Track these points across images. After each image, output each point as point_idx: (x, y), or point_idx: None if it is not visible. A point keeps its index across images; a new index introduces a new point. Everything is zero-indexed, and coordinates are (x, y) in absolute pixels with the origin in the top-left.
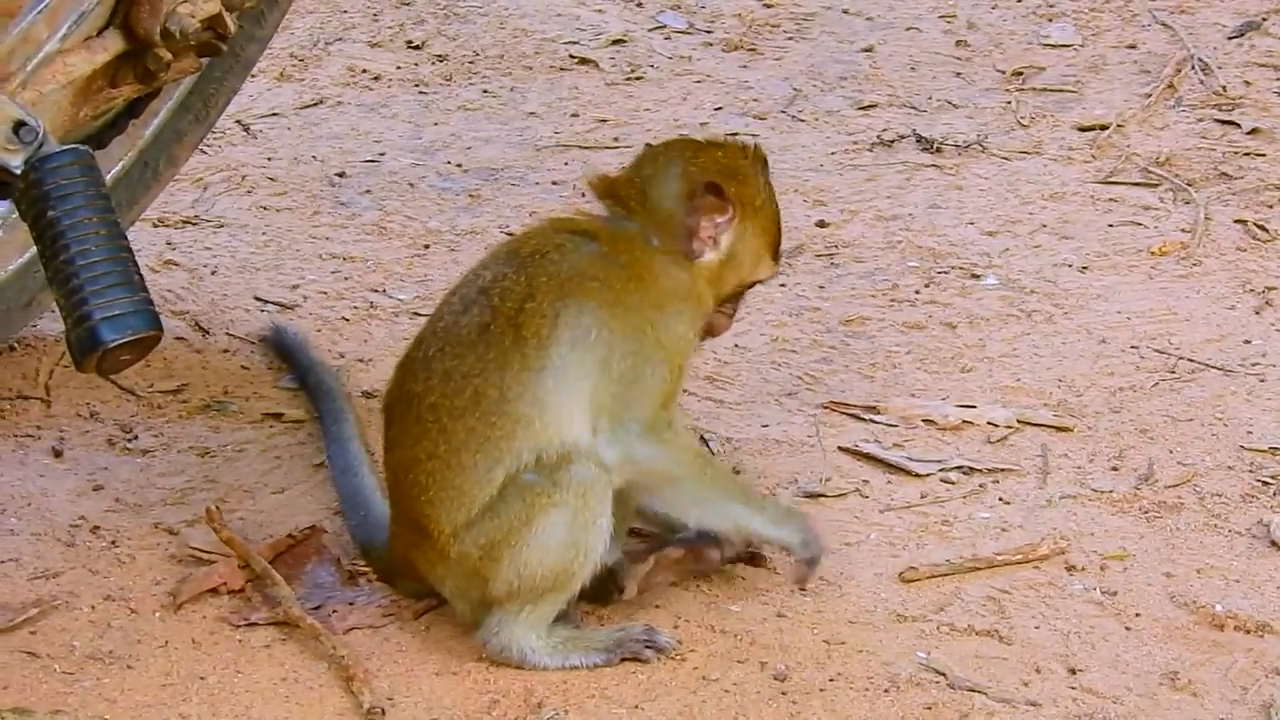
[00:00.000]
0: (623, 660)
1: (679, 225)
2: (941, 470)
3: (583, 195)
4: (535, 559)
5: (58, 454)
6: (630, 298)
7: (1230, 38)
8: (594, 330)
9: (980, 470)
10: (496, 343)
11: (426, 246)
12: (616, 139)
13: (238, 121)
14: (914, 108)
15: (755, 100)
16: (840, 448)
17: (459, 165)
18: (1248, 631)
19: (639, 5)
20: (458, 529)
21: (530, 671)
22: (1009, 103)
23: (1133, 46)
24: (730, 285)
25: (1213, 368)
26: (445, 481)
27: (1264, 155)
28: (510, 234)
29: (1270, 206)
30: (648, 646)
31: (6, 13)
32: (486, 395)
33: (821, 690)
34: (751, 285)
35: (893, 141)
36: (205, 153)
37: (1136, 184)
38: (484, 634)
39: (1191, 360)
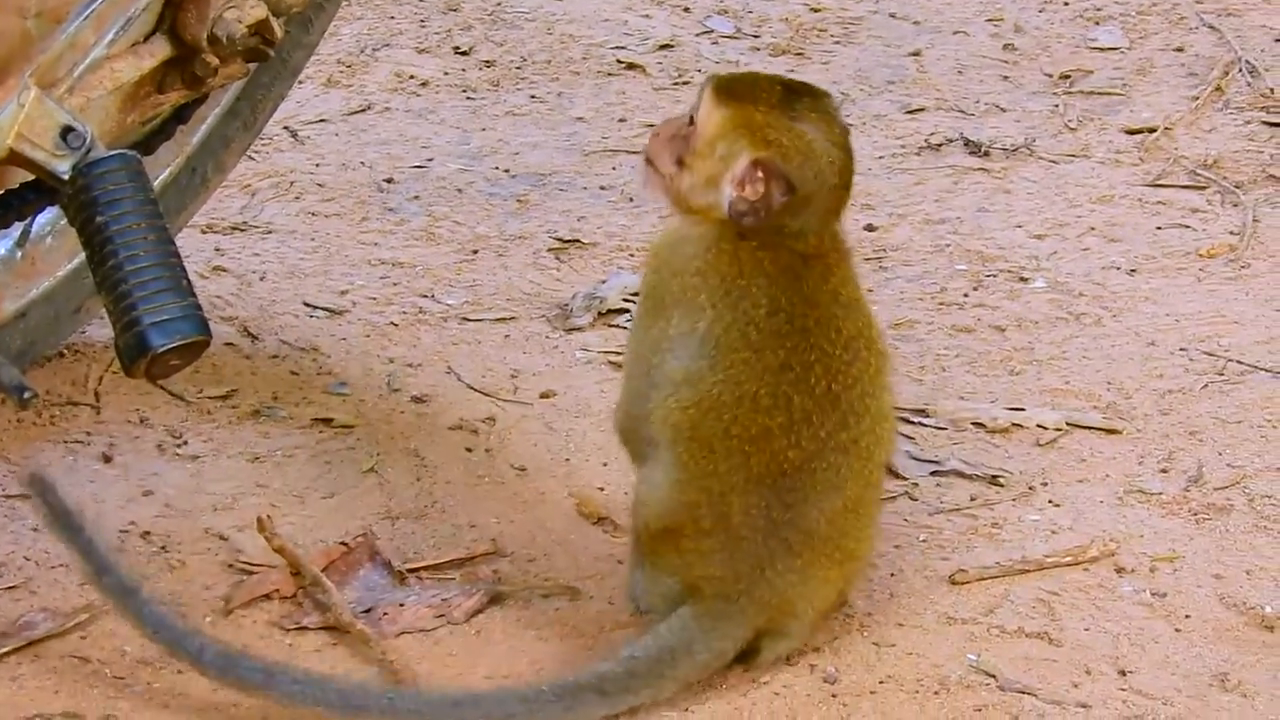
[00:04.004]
0: None
1: None
2: (990, 473)
3: (630, 200)
4: None
5: (107, 460)
6: None
7: (1278, 40)
8: None
9: (1029, 473)
10: None
11: (475, 252)
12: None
13: (285, 127)
14: (962, 111)
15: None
16: None
17: (507, 170)
18: None
19: (686, 10)
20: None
21: None
22: (1056, 106)
23: (1180, 49)
24: None
25: (1262, 370)
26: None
27: None
28: (557, 240)
29: None
30: None
31: (54, 18)
32: None
33: (872, 693)
34: None
35: (940, 145)
36: (253, 159)
37: (1185, 187)
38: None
39: (1240, 362)
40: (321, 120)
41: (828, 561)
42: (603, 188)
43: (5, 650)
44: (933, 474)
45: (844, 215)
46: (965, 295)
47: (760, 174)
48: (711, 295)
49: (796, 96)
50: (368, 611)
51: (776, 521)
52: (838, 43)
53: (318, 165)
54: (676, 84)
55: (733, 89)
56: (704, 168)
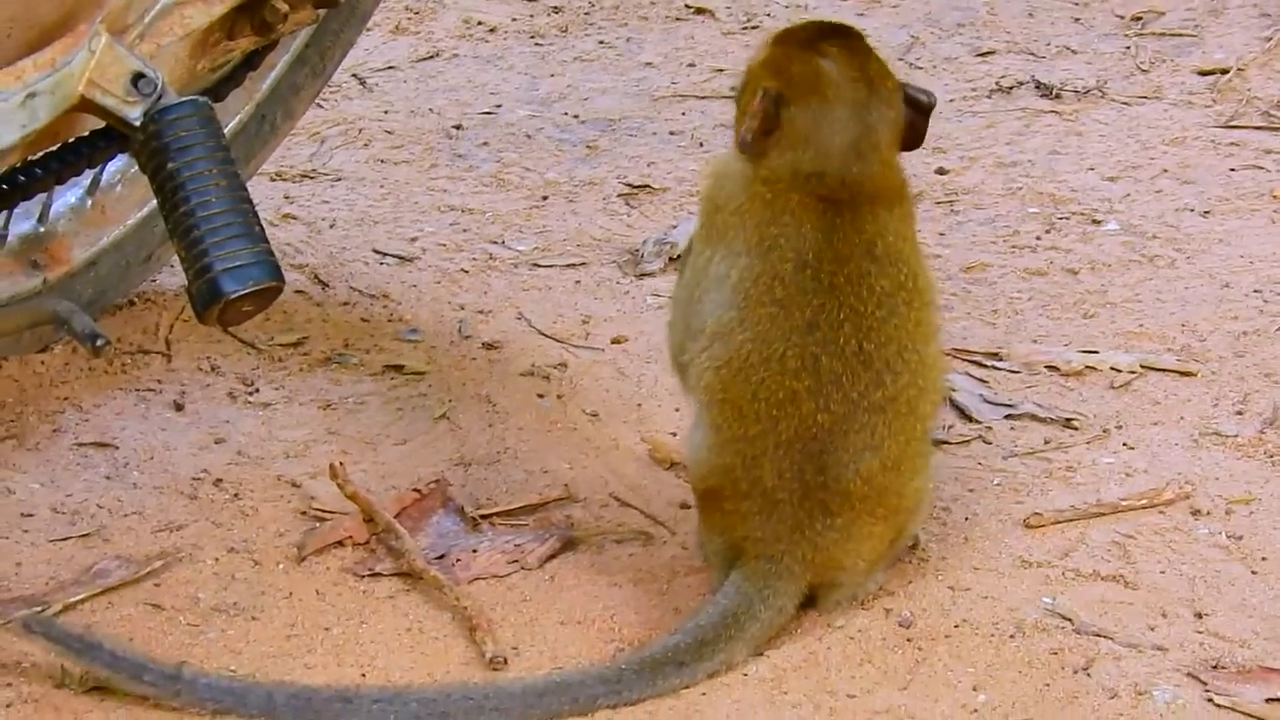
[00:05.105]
0: None
1: None
2: (1065, 416)
3: (700, 145)
4: None
5: (179, 408)
6: None
7: None
8: None
9: (1104, 415)
10: None
11: (545, 198)
12: (733, 89)
13: (354, 75)
14: (1032, 54)
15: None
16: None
17: (576, 116)
18: None
19: None
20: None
21: (654, 620)
22: (1128, 48)
23: None
24: None
25: None
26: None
27: None
28: (627, 186)
29: None
30: None
31: None
32: None
33: (947, 636)
34: None
35: (1011, 88)
36: (321, 106)
37: (1258, 128)
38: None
39: None
40: (390, 67)
41: (870, 519)
42: (672, 133)
43: (79, 598)
44: (1007, 417)
45: (876, 158)
46: (1038, 238)
47: (764, 102)
48: (747, 241)
49: (827, 35)
50: (441, 558)
51: (810, 485)
52: None
53: (386, 112)
54: (745, 28)
55: (785, 31)
56: (742, 101)
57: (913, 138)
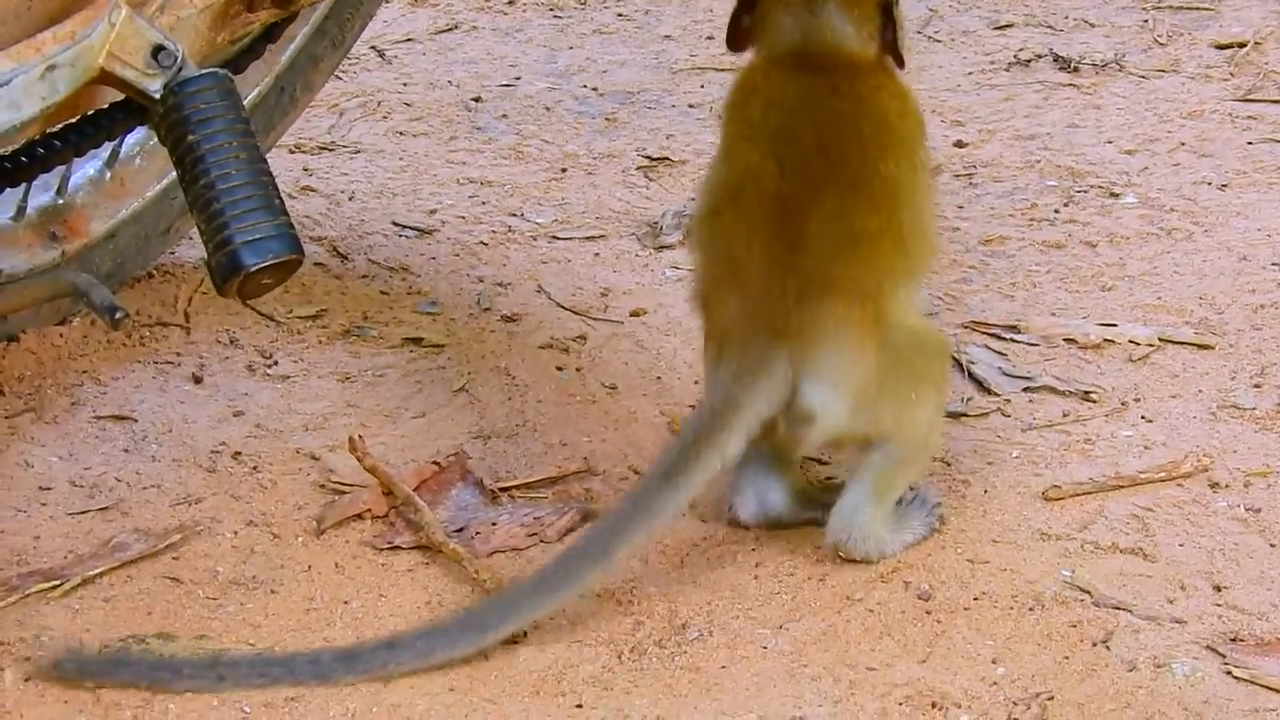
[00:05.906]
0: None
1: None
2: (1083, 389)
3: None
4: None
5: (198, 380)
6: None
7: None
8: None
9: (1122, 388)
10: None
11: (564, 170)
12: None
13: (372, 47)
14: (1050, 27)
15: None
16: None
17: (594, 89)
18: None
19: None
20: None
21: (673, 593)
22: (1146, 21)
23: None
24: None
25: None
26: None
27: None
28: (646, 158)
29: None
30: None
31: None
32: None
33: (966, 609)
34: None
35: (1030, 61)
36: (341, 78)
37: (1275, 101)
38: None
39: None
40: (409, 39)
41: (846, 299)
42: (691, 105)
43: (98, 571)
44: (1025, 390)
45: (833, 36)
46: (1056, 211)
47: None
48: (732, 113)
49: None
50: (460, 530)
51: (784, 261)
52: None
53: (405, 84)
54: None
55: None
56: None
57: (892, 44)
